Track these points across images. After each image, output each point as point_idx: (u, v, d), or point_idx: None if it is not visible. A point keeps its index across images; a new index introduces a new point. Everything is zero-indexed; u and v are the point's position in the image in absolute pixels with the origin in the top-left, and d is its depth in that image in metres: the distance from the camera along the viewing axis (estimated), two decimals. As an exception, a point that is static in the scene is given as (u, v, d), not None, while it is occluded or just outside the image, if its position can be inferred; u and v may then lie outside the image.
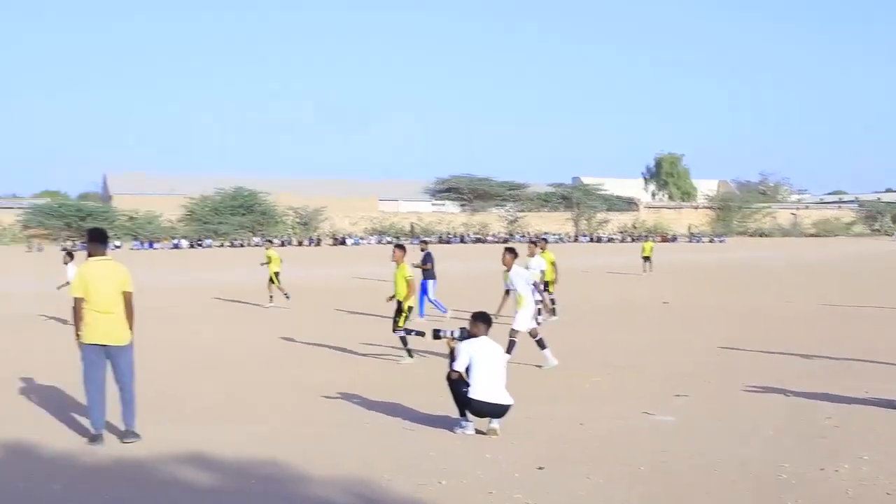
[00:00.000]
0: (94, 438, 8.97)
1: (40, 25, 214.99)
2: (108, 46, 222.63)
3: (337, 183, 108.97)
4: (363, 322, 20.51)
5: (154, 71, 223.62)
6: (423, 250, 22.79)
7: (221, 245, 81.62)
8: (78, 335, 8.99)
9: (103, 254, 9.23)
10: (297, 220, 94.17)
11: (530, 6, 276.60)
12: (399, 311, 14.78)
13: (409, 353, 14.30)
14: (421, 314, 20.35)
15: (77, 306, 8.94)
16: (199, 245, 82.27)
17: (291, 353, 15.79)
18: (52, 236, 79.82)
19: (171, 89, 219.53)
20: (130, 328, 9.12)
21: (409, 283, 14.78)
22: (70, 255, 20.68)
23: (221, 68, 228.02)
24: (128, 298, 9.07)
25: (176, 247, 79.25)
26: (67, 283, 19.83)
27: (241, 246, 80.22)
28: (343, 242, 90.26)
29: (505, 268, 13.93)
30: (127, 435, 9.01)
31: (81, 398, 9.71)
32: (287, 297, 25.10)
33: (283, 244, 78.11)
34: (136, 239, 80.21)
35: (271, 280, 25.66)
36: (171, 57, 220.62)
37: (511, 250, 14.07)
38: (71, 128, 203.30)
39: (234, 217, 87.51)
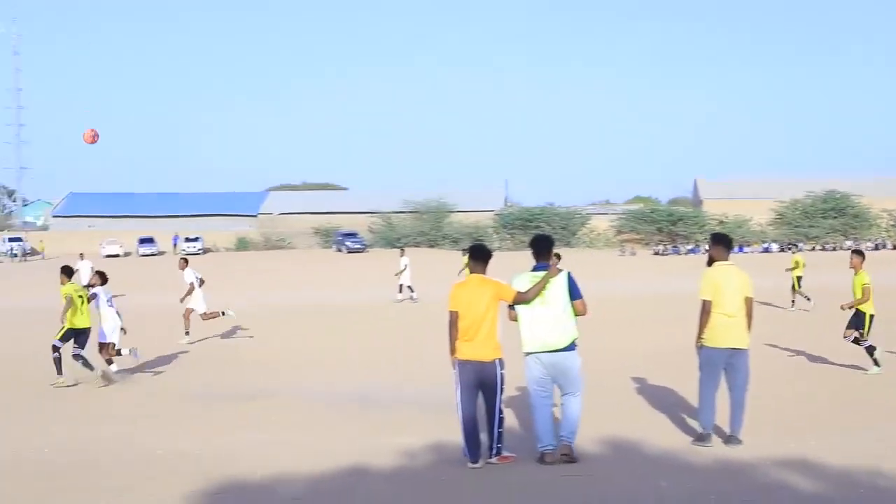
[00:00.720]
0: (702, 438, 9.19)
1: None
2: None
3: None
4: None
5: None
6: None
7: (812, 249, 78.67)
8: (701, 338, 9.20)
9: (726, 258, 9.34)
10: (892, 222, 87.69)
11: None
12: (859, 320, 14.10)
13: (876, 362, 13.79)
14: None
15: (705, 309, 9.13)
16: (790, 249, 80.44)
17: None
18: (644, 241, 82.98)
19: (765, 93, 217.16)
20: (748, 332, 9.18)
21: (864, 291, 13.97)
22: (185, 261, 21.24)
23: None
24: (749, 304, 9.16)
25: (766, 251, 78.17)
26: (190, 287, 20.44)
27: (833, 249, 76.62)
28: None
29: None
30: (731, 440, 9.15)
31: (685, 397, 9.75)
32: (808, 300, 25.19)
33: (876, 248, 73.33)
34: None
35: (794, 286, 26.23)
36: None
37: None
38: (662, 134, 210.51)
39: (825, 220, 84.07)
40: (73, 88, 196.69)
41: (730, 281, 9.14)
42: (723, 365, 9.16)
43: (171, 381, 14.76)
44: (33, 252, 79.91)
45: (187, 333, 20.13)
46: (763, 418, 10.18)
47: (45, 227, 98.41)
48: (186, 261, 21.38)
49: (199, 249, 78.87)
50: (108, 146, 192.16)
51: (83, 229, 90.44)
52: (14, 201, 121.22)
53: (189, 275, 20.59)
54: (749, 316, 9.16)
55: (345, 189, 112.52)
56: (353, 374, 15.08)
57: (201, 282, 20.75)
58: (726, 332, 9.07)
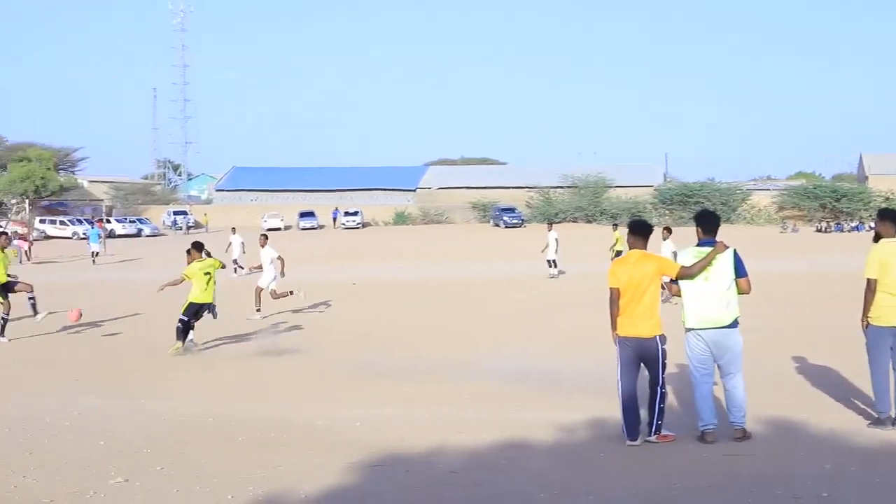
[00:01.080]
0: (879, 422, 8.92)
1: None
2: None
3: None
4: None
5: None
6: None
7: None
8: (867, 318, 8.93)
9: (894, 235, 8.97)
10: None
11: None
12: None
13: None
14: None
15: (870, 287, 8.85)
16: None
17: None
18: (807, 217, 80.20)
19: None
20: None
21: None
22: (265, 237, 21.34)
23: None
24: None
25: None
26: (259, 266, 21.05)
27: None
28: None
29: None
30: None
31: (848, 378, 9.50)
32: None
33: None
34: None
35: None
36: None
37: None
38: (827, 109, 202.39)
39: None
40: (238, 63, 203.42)
41: None
42: (891, 343, 8.86)
43: (320, 356, 15.04)
44: (197, 225, 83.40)
45: (258, 310, 20.27)
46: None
47: (208, 201, 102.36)
48: (266, 237, 21.87)
49: (358, 223, 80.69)
50: (270, 120, 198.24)
51: (246, 203, 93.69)
52: (179, 175, 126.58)
53: (267, 253, 20.91)
54: None
55: (503, 164, 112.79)
56: (510, 349, 15.21)
57: (281, 261, 20.81)
58: (893, 311, 8.76)
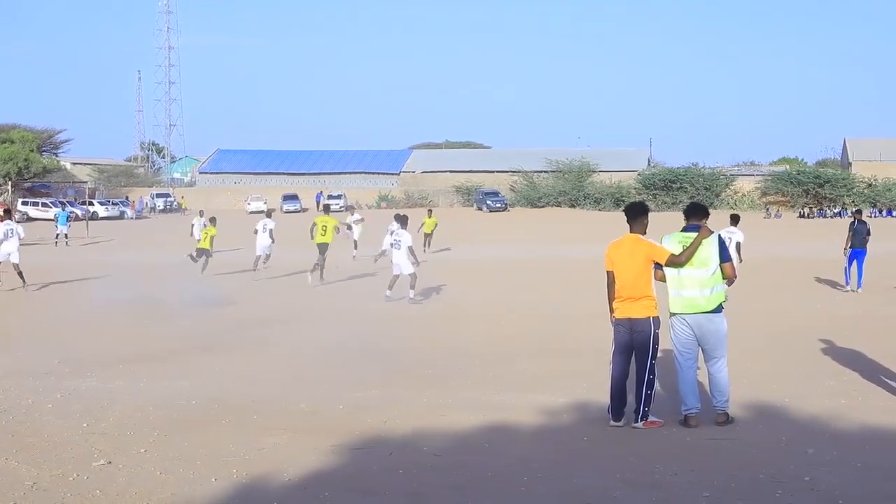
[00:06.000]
0: None
1: None
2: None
3: None
4: None
5: None
6: None
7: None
8: None
9: None
10: None
11: None
12: None
13: None
14: None
15: None
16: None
17: None
18: (790, 203, 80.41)
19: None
20: None
21: None
22: (403, 218, 21.05)
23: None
24: None
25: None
26: (383, 251, 24.40)
27: None
28: None
29: None
30: None
31: (837, 363, 9.62)
32: None
33: None
34: (873, 206, 77.21)
35: None
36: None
37: None
38: (809, 94, 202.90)
39: None
40: (223, 46, 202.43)
41: None
42: None
43: (300, 339, 14.81)
44: (174, 208, 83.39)
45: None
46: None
47: (191, 184, 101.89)
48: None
49: (342, 206, 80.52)
50: (255, 103, 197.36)
51: (229, 185, 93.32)
52: (163, 158, 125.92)
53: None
54: None
55: (487, 148, 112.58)
56: (499, 330, 15.17)
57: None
58: None
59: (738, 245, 18.48)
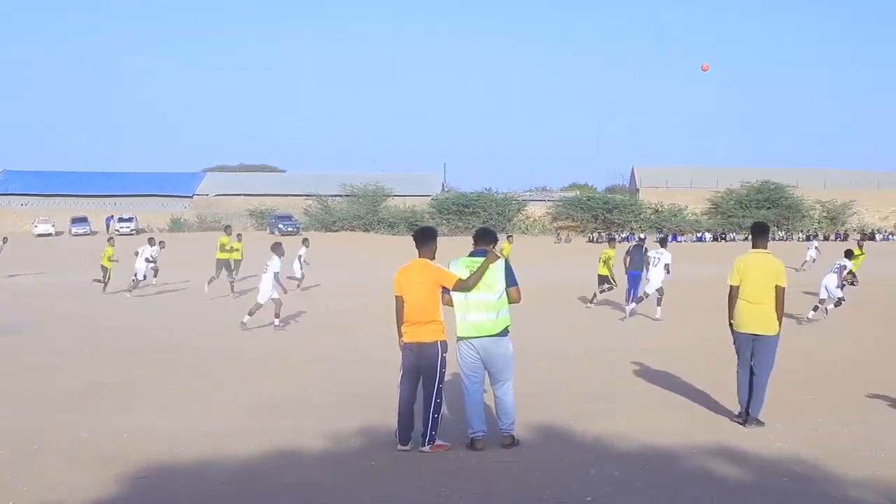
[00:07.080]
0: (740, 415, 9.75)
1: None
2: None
3: (866, 175, 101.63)
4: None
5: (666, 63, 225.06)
6: None
7: (746, 238, 79.71)
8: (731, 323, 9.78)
9: (763, 247, 9.84)
10: (825, 214, 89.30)
11: None
12: None
13: None
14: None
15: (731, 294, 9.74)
16: (723, 238, 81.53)
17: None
18: (580, 228, 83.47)
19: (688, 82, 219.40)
20: (779, 320, 9.52)
21: None
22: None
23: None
24: (779, 292, 9.48)
25: (699, 240, 79.17)
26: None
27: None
28: (872, 238, 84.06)
29: None
30: (750, 421, 9.51)
31: (627, 385, 9.81)
32: None
33: (808, 238, 74.74)
34: (659, 231, 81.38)
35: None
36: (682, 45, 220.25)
37: None
38: (600, 123, 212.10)
39: (759, 210, 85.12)
40: (10, 63, 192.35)
41: (759, 269, 9.60)
42: (749, 349, 9.63)
43: (82, 364, 14.28)
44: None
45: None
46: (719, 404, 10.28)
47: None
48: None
49: (133, 230, 77.76)
50: (44, 123, 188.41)
51: (16, 208, 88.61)
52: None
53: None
54: (780, 304, 9.52)
55: (283, 171, 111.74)
56: (287, 354, 14.94)
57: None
58: (750, 317, 9.58)
59: (666, 266, 19.70)
